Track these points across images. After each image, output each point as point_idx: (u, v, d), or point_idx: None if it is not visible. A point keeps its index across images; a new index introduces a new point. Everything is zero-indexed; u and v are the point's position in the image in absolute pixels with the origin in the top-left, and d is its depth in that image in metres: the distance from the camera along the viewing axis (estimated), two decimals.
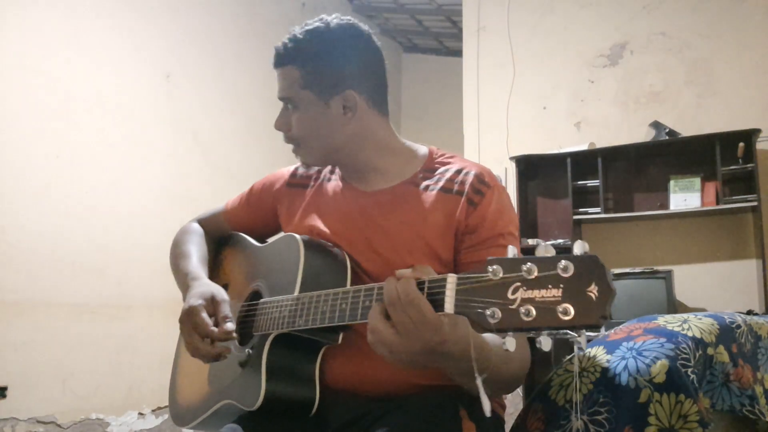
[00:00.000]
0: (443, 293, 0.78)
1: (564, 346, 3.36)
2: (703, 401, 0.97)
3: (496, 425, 1.11)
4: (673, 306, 3.09)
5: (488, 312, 0.71)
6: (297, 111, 1.15)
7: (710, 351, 1.03)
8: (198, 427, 1.22)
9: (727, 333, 1.09)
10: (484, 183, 1.12)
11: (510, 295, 0.70)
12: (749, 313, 2.67)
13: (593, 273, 0.67)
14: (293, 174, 1.32)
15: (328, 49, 1.13)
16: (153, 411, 3.55)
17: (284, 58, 1.14)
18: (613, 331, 1.14)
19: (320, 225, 1.19)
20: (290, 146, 1.21)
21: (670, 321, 1.09)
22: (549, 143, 3.73)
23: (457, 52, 4.44)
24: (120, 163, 3.54)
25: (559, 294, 0.67)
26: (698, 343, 1.02)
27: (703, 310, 3.16)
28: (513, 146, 3.80)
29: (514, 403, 3.40)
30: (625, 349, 1.02)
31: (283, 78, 1.15)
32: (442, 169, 1.17)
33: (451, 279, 0.78)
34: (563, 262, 0.68)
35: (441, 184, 1.14)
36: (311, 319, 0.98)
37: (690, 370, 0.96)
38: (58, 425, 3.13)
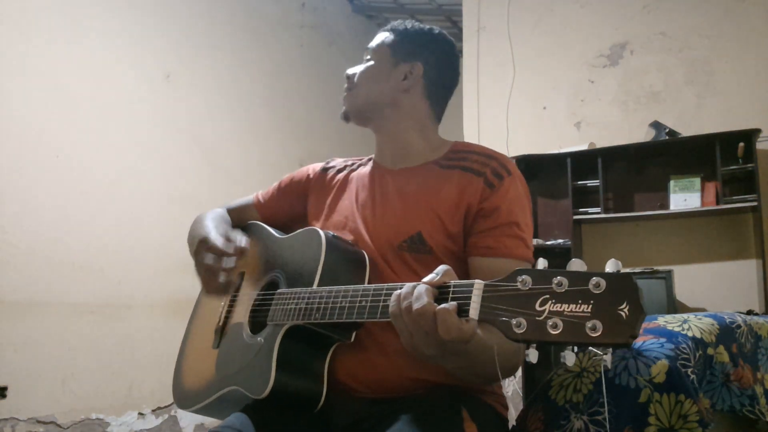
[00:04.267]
0: (469, 299, 0.77)
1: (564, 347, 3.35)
2: (703, 401, 0.97)
3: (497, 425, 1.11)
4: (673, 306, 3.09)
5: (514, 321, 0.70)
6: (370, 62, 1.31)
7: (710, 351, 1.03)
8: (201, 411, 1.21)
9: (727, 333, 1.10)
10: (505, 168, 1.15)
11: (538, 307, 0.69)
12: (749, 313, 2.67)
13: (626, 292, 0.65)
14: (327, 162, 1.42)
15: (424, 30, 1.33)
16: (153, 411, 3.55)
17: (391, 26, 1.35)
18: None
19: (345, 203, 1.27)
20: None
21: (670, 321, 1.09)
22: (549, 143, 3.73)
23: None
24: (120, 162, 3.53)
25: (589, 310, 0.66)
26: (698, 343, 1.02)
27: (703, 310, 3.16)
28: (513, 146, 3.79)
29: (514, 402, 3.40)
30: (625, 349, 1.02)
31: (378, 39, 1.33)
32: (466, 152, 1.23)
33: (478, 285, 0.77)
34: (596, 278, 0.67)
35: (462, 163, 1.20)
36: (329, 313, 0.98)
37: (690, 370, 0.96)
38: (58, 425, 3.13)
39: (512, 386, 3.49)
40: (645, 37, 3.63)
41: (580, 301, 0.67)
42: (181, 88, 3.92)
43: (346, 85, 1.32)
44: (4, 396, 2.94)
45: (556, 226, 3.65)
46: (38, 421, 3.05)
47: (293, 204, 1.39)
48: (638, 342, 1.02)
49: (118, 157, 3.53)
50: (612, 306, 0.65)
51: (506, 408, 1.18)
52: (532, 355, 0.69)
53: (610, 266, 0.68)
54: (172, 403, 3.61)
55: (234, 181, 4.10)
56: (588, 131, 3.71)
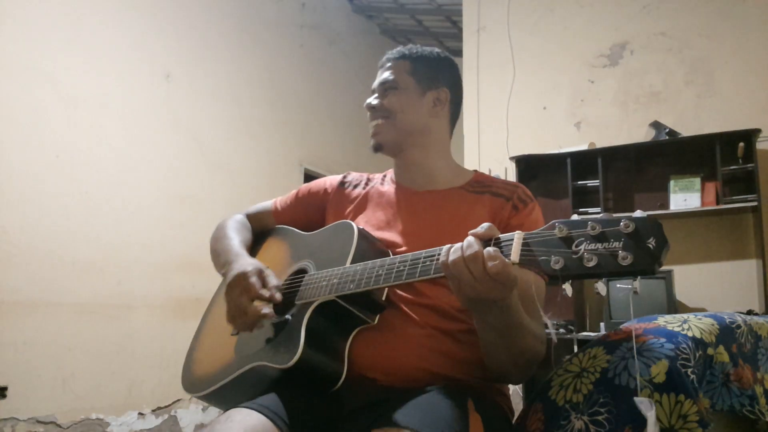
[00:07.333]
0: (510, 245, 0.86)
1: (564, 347, 3.35)
2: (703, 401, 0.97)
3: (499, 416, 1.12)
4: (673, 306, 3.09)
5: (552, 260, 0.81)
6: (396, 91, 1.31)
7: (710, 351, 1.03)
8: (214, 393, 1.21)
9: (727, 333, 1.09)
10: (528, 197, 1.29)
11: (574, 247, 0.80)
12: (749, 313, 2.67)
13: (652, 229, 0.76)
14: (344, 177, 1.44)
15: (437, 55, 1.36)
16: (153, 411, 3.55)
17: (399, 54, 1.34)
18: (613, 331, 1.14)
19: (369, 216, 1.30)
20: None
21: (670, 321, 1.09)
22: (549, 143, 3.73)
23: (457, 52, 4.45)
24: (120, 163, 3.54)
25: (620, 245, 0.77)
26: (698, 343, 1.02)
27: (703, 310, 3.16)
28: (513, 146, 3.80)
29: (514, 402, 3.40)
30: (625, 349, 1.02)
31: (393, 68, 1.33)
32: (489, 182, 1.31)
33: (519, 234, 0.87)
34: (625, 220, 0.78)
35: (490, 189, 1.28)
36: (364, 282, 1.03)
37: (690, 370, 0.96)
38: (58, 425, 3.13)
39: (512, 386, 3.49)
40: (645, 37, 3.63)
41: (612, 240, 0.78)
42: (181, 88, 3.92)
43: (371, 115, 1.33)
44: (4, 396, 2.94)
45: None
46: (38, 421, 3.05)
47: (310, 215, 1.41)
48: (638, 342, 1.02)
49: (118, 157, 3.53)
50: (641, 241, 0.76)
51: (512, 411, 1.19)
52: (602, 289, 0.87)
53: (638, 214, 0.79)
54: (172, 403, 3.61)
55: (234, 181, 4.10)
56: (588, 131, 3.71)
